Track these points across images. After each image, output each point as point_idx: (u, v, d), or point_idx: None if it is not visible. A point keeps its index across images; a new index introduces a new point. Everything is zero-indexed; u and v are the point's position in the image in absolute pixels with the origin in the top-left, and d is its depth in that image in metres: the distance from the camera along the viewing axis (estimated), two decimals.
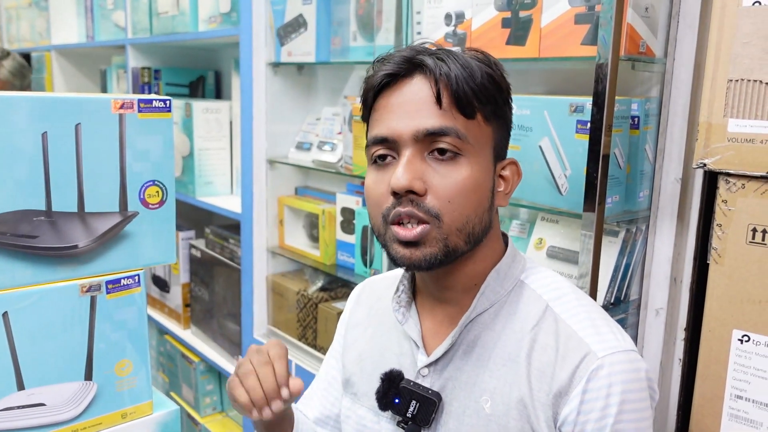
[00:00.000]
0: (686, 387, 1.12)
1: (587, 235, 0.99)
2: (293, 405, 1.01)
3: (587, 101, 1.04)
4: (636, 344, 1.16)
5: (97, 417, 0.98)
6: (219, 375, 2.23)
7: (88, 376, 0.97)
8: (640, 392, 0.75)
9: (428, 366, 0.84)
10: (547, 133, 1.11)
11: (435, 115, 0.75)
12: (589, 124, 1.00)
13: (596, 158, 0.98)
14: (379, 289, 0.99)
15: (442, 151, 0.76)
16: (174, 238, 1.02)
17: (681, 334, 1.13)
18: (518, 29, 1.13)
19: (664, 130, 1.11)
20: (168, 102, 0.98)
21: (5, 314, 0.88)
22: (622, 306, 1.14)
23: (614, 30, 0.94)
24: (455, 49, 0.81)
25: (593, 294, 1.03)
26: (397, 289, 0.89)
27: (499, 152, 0.82)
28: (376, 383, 0.86)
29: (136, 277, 1.00)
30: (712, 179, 0.99)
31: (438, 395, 0.82)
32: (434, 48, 0.80)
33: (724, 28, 0.90)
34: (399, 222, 0.76)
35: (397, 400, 0.83)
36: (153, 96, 0.97)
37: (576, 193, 1.08)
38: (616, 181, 1.07)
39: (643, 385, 0.75)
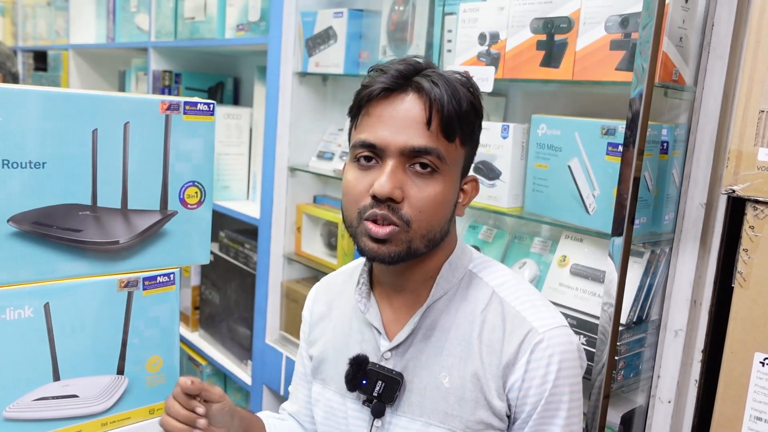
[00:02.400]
0: (701, 408, 1.14)
1: (617, 250, 1.02)
2: (266, 413, 1.15)
3: (619, 125, 1.07)
4: (653, 364, 1.19)
5: (126, 411, 0.99)
6: (225, 378, 2.23)
7: (120, 371, 0.98)
8: (573, 360, 0.88)
9: (391, 350, 0.94)
10: (576, 154, 1.14)
11: (423, 135, 0.83)
12: (620, 147, 1.03)
13: (627, 180, 1.01)
14: (336, 284, 1.08)
15: (423, 166, 0.84)
16: (209, 239, 1.04)
17: (698, 356, 1.16)
18: (553, 52, 1.16)
19: (691, 156, 1.14)
20: (212, 106, 1.00)
21: (46, 305, 0.90)
22: (642, 326, 1.17)
23: (651, 57, 0.97)
24: (444, 71, 0.89)
25: (618, 313, 1.05)
26: (358, 282, 0.98)
27: (466, 170, 0.92)
28: (342, 368, 0.96)
29: (172, 275, 1.01)
30: (736, 205, 1.02)
31: (401, 375, 0.92)
32: (425, 64, 0.88)
33: (758, 61, 0.93)
34: (374, 220, 0.85)
35: (364, 382, 0.93)
36: (198, 99, 1.00)
37: (603, 214, 1.11)
38: (644, 203, 1.09)
39: (575, 355, 0.89)
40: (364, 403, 0.96)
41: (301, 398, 1.13)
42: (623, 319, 1.11)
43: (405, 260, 0.87)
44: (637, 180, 1.01)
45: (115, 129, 0.92)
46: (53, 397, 0.93)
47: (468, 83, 0.88)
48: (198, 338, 2.25)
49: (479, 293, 0.93)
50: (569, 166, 1.15)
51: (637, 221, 1.07)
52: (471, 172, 0.96)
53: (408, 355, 0.93)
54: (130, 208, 0.96)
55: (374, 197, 0.84)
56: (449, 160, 0.86)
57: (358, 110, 0.90)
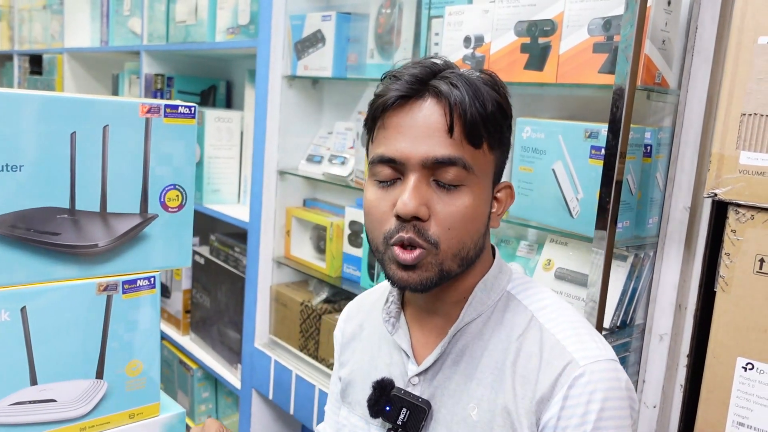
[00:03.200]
0: (687, 413, 1.14)
1: (598, 256, 1.01)
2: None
3: (602, 127, 1.07)
4: (639, 368, 1.18)
5: (106, 416, 0.98)
6: (216, 382, 2.22)
7: (99, 375, 0.97)
8: (620, 401, 0.77)
9: (418, 375, 0.86)
10: (560, 157, 1.14)
11: (445, 144, 0.76)
12: (603, 150, 1.03)
13: (609, 183, 1.00)
14: (368, 303, 1.01)
15: (449, 178, 0.77)
16: (191, 242, 1.04)
17: (684, 360, 1.15)
18: (537, 55, 1.15)
19: (675, 160, 1.13)
20: (193, 109, 1.00)
21: (23, 309, 0.89)
22: (627, 330, 1.16)
23: (632, 60, 0.97)
24: (464, 70, 0.81)
25: (600, 316, 1.05)
26: (387, 300, 0.91)
27: (498, 176, 0.84)
28: (368, 392, 0.88)
29: (152, 279, 1.01)
30: (720, 209, 1.02)
31: (428, 403, 0.84)
32: (443, 65, 0.81)
33: (739, 64, 0.93)
34: (401, 244, 0.78)
35: (388, 408, 0.85)
36: (179, 102, 0.99)
37: (587, 217, 1.10)
38: (627, 206, 1.09)
39: (623, 394, 0.77)
40: (388, 431, 0.87)
41: (334, 420, 1.07)
42: (607, 323, 1.11)
43: (438, 285, 0.80)
44: (619, 183, 1.01)
45: (95, 132, 0.92)
46: (30, 402, 0.92)
47: (492, 82, 0.80)
48: (189, 342, 2.25)
49: (517, 317, 0.83)
50: (553, 170, 1.15)
51: (620, 225, 1.06)
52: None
53: (436, 381, 0.85)
54: (109, 212, 0.96)
55: (398, 217, 0.77)
56: (477, 168, 0.78)
57: (373, 122, 0.82)
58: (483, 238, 0.82)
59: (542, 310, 0.83)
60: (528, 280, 0.89)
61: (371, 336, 0.96)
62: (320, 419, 1.63)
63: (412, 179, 0.77)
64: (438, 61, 0.81)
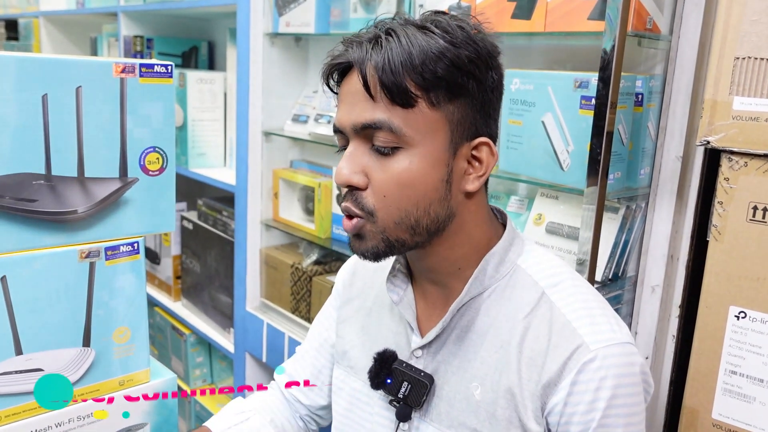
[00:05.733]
0: (679, 363, 1.14)
1: (589, 209, 0.99)
2: (222, 422, 1.00)
3: (592, 77, 1.04)
4: (631, 320, 1.18)
5: (95, 383, 0.98)
6: (209, 347, 2.23)
7: (86, 343, 0.96)
8: (633, 386, 0.73)
9: (422, 348, 0.84)
10: (550, 109, 1.11)
11: (368, 108, 0.73)
12: (593, 100, 1.00)
13: (600, 134, 0.98)
14: (371, 266, 0.97)
15: (381, 143, 0.74)
16: (173, 207, 1.02)
17: (676, 311, 1.15)
18: (524, 3, 1.12)
19: (667, 108, 1.11)
20: (170, 67, 0.96)
21: (3, 278, 0.87)
22: (619, 282, 1.15)
23: (622, 5, 0.94)
24: (417, 20, 0.76)
25: (592, 269, 1.04)
26: (393, 268, 0.87)
27: (466, 133, 0.76)
28: (370, 362, 0.86)
29: (135, 244, 0.99)
30: (712, 158, 1.00)
31: (430, 378, 0.81)
32: (389, 25, 0.75)
33: (733, 5, 0.90)
34: (345, 213, 0.78)
35: (389, 381, 0.83)
36: (154, 61, 0.96)
37: (578, 169, 1.08)
38: (619, 157, 1.07)
39: (636, 379, 0.74)
40: (390, 402, 0.86)
41: (314, 367, 1.03)
42: (599, 276, 1.10)
43: (393, 253, 0.77)
44: (610, 134, 0.99)
45: (67, 94, 0.89)
46: (17, 372, 0.91)
47: (450, 31, 0.72)
48: (181, 308, 2.24)
49: (525, 293, 0.79)
50: (543, 122, 1.12)
51: (611, 176, 1.04)
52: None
53: (440, 356, 0.82)
54: (87, 176, 0.93)
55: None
56: (413, 130, 0.73)
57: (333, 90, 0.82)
58: (441, 204, 0.76)
59: (554, 287, 0.78)
60: (541, 253, 0.83)
61: (374, 302, 0.94)
62: None
63: (350, 147, 0.76)
64: (387, 23, 0.76)
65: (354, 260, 1.02)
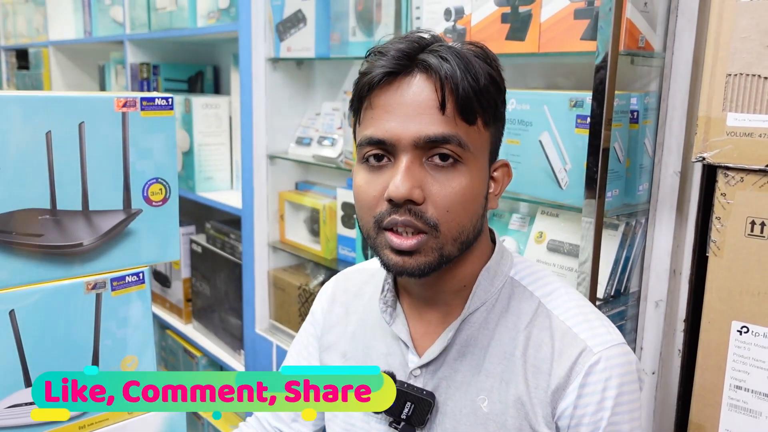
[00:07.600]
0: (686, 378, 1.13)
1: (588, 223, 1.00)
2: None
3: (587, 96, 1.05)
4: (636, 336, 1.18)
5: (103, 413, 0.99)
6: (221, 369, 2.24)
7: None
8: (633, 384, 0.77)
9: (421, 367, 0.83)
10: (547, 128, 1.12)
11: (437, 121, 0.72)
12: (588, 119, 1.01)
13: (596, 152, 0.99)
14: (356, 284, 0.96)
15: (443, 157, 0.73)
16: (178, 235, 1.03)
17: (680, 326, 1.14)
18: (518, 24, 1.13)
19: (663, 124, 1.11)
20: (170, 100, 0.98)
21: (12, 312, 0.89)
22: (622, 298, 1.15)
23: (614, 25, 0.95)
24: (453, 43, 0.76)
25: (593, 286, 1.04)
26: (383, 289, 0.87)
27: (493, 155, 0.80)
28: None
29: (141, 274, 1.00)
30: (710, 172, 1.00)
31: (432, 395, 0.81)
32: (431, 39, 0.76)
33: (723, 22, 0.91)
34: (394, 229, 0.74)
35: None
36: (155, 94, 0.98)
37: (576, 187, 1.09)
38: (616, 174, 1.07)
39: (634, 376, 0.78)
40: (390, 424, 0.84)
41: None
42: (600, 293, 1.10)
43: (437, 270, 0.76)
44: (606, 151, 1.00)
45: (70, 130, 0.91)
46: (27, 404, 0.93)
47: (484, 55, 0.75)
48: (192, 330, 2.26)
49: (523, 305, 0.81)
50: (540, 141, 1.13)
51: (609, 193, 1.05)
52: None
53: (440, 373, 0.82)
54: (91, 210, 0.95)
55: (390, 201, 0.73)
56: (473, 146, 0.73)
57: (359, 103, 0.78)
58: (481, 220, 0.78)
59: (549, 296, 0.81)
60: (531, 265, 0.86)
61: (363, 323, 0.93)
62: None
63: (404, 161, 0.72)
64: (425, 35, 0.76)
65: (332, 287, 1.00)
